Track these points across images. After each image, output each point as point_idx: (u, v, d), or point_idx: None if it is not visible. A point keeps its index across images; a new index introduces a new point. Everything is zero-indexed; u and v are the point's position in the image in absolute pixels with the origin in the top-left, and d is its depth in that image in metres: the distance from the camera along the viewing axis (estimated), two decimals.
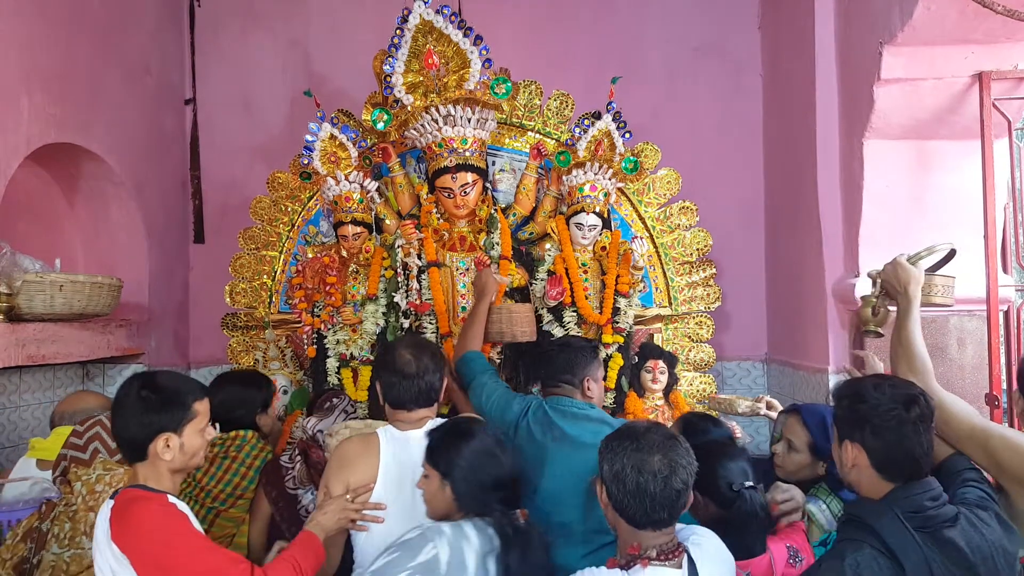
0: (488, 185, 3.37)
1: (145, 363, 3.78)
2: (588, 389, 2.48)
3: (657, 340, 3.50)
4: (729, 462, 1.94)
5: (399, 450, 2.11)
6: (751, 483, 1.91)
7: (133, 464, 1.84)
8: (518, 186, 3.44)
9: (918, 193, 3.00)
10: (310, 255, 3.36)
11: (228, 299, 3.54)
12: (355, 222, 3.28)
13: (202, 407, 1.89)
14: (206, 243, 4.21)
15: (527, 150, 3.46)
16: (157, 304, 3.88)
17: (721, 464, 1.92)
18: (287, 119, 4.23)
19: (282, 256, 3.57)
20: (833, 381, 3.18)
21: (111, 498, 1.77)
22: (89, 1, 3.40)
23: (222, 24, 4.28)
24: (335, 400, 2.79)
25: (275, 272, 3.56)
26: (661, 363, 3.30)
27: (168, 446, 1.81)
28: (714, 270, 3.54)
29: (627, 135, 3.31)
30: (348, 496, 2.02)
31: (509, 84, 3.18)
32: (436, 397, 2.21)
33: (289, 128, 4.17)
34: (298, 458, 2.51)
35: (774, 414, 2.82)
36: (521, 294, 3.35)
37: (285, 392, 3.31)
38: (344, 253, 3.33)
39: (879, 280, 2.32)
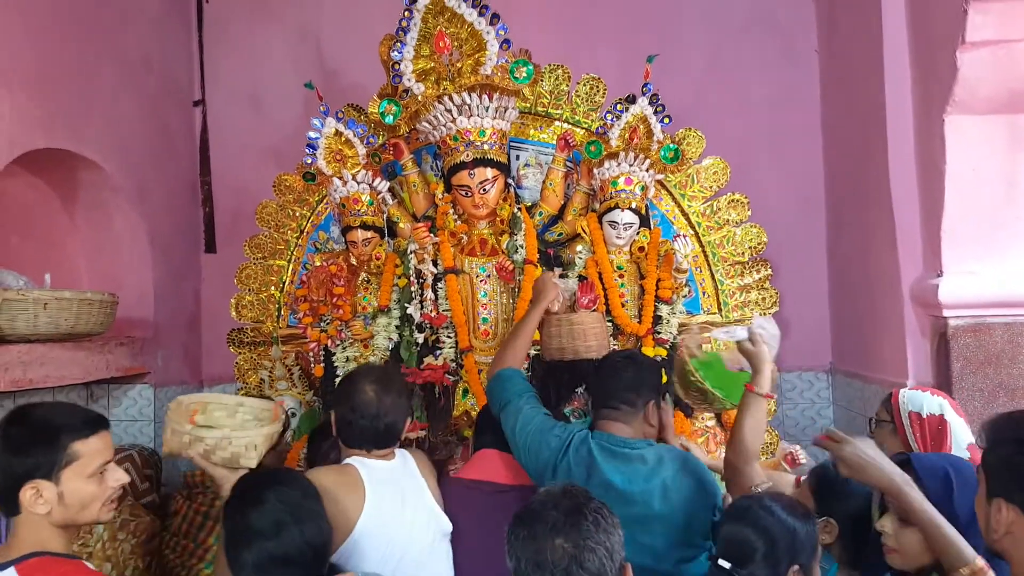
0: (511, 181, 3.04)
1: (152, 382, 3.55)
2: (650, 416, 2.14)
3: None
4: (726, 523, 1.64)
5: (378, 482, 2.00)
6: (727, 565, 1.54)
7: (11, 518, 1.52)
8: (544, 182, 3.09)
9: (1012, 177, 2.55)
10: (317, 263, 3.07)
11: (234, 313, 3.29)
12: (365, 226, 2.98)
13: (87, 447, 1.53)
14: (218, 252, 3.97)
15: (554, 142, 3.11)
16: (164, 319, 3.65)
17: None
18: (301, 117, 3.94)
19: (291, 265, 3.30)
20: None
21: (10, 566, 1.44)
22: None
23: (230, 17, 4.04)
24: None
25: (283, 283, 3.29)
26: None
27: (41, 497, 1.48)
28: (769, 271, 3.14)
29: (666, 120, 2.94)
30: None
31: (531, 67, 2.84)
32: (396, 440, 2.10)
33: (303, 128, 3.79)
34: None
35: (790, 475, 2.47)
36: None
37: (293, 415, 3.03)
38: (353, 261, 3.03)
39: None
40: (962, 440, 1.98)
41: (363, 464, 2.03)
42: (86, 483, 1.53)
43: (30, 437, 1.50)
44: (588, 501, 1.40)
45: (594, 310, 2.85)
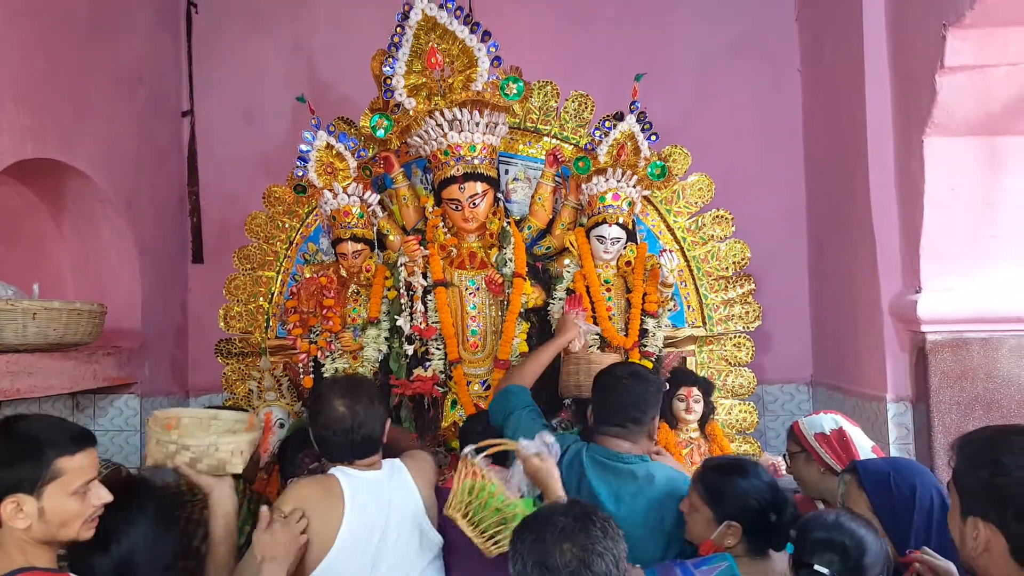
0: (500, 196, 3.08)
1: (138, 392, 3.53)
2: (653, 431, 2.19)
3: (690, 364, 3.17)
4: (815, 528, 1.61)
5: (361, 495, 1.98)
6: (825, 571, 1.53)
7: None
8: (533, 196, 3.13)
9: (988, 197, 2.62)
10: (307, 275, 3.08)
11: (222, 323, 3.29)
12: (355, 238, 3.00)
13: (72, 463, 1.50)
14: (205, 263, 3.97)
15: (543, 157, 3.16)
16: (152, 329, 3.64)
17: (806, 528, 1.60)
18: (291, 130, 3.96)
19: (279, 276, 3.31)
20: (893, 410, 2.82)
21: None
22: (72, 4, 3.17)
23: (221, 30, 4.05)
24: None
25: (272, 294, 3.30)
26: (695, 390, 2.96)
27: (22, 511, 1.45)
28: (753, 285, 3.20)
29: (653, 137, 2.99)
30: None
31: (521, 84, 2.88)
32: (377, 446, 2.08)
33: (293, 139, 3.84)
34: None
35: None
36: (538, 315, 3.04)
37: (282, 426, 3.03)
38: (343, 273, 3.05)
39: None
40: (864, 444, 2.12)
41: (345, 474, 2.02)
42: (68, 500, 1.50)
43: (15, 451, 1.47)
44: (595, 511, 1.44)
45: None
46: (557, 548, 1.34)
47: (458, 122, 2.86)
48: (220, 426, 2.21)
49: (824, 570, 1.52)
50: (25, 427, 1.52)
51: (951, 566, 1.66)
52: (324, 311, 2.98)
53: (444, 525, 2.09)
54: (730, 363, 3.20)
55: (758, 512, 1.81)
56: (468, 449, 1.94)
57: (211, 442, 2.02)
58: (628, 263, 3.01)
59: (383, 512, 1.99)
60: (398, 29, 2.89)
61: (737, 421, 3.17)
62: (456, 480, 1.89)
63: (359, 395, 2.04)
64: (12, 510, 1.46)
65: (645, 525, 2.01)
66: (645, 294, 2.96)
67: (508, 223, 3.03)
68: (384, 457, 2.14)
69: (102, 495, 1.56)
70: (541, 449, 1.95)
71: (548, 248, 3.13)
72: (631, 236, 3.05)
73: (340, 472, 2.02)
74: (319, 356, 3.01)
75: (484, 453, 1.95)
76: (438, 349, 2.95)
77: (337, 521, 1.92)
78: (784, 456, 2.33)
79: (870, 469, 1.85)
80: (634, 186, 2.98)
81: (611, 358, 2.77)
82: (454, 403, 2.95)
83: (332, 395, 2.04)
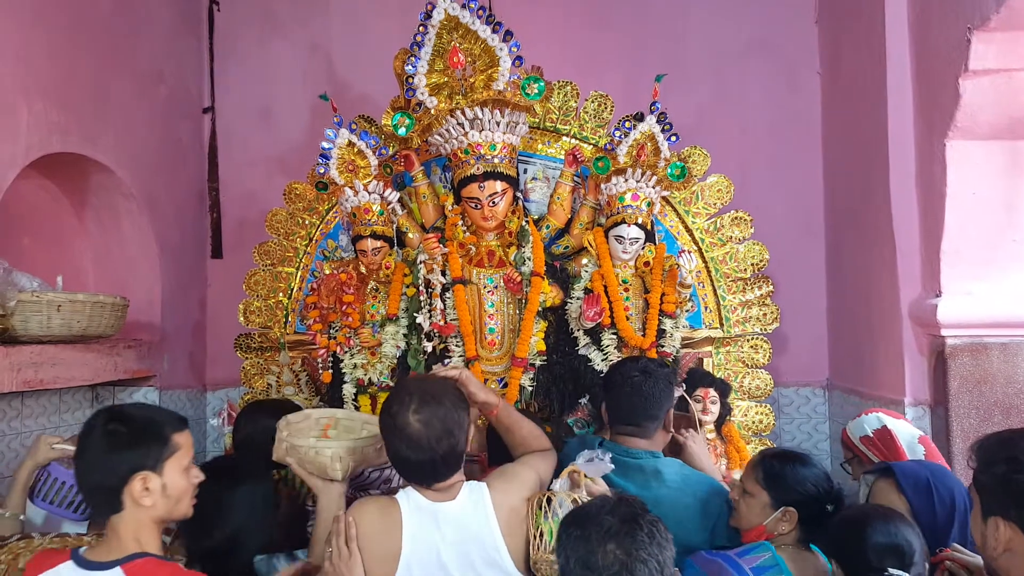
0: (519, 195, 3.08)
1: (157, 385, 3.56)
2: (668, 423, 2.20)
3: (707, 365, 3.18)
4: (875, 532, 1.59)
5: (425, 528, 1.71)
6: (904, 574, 1.51)
7: (108, 519, 1.54)
8: (552, 196, 3.14)
9: (1011, 201, 2.62)
10: (327, 271, 3.10)
11: (242, 318, 3.31)
12: (375, 236, 3.02)
13: (183, 439, 1.60)
14: (224, 259, 4.00)
15: (561, 156, 3.17)
16: (171, 323, 3.67)
17: (866, 536, 1.58)
18: (309, 128, 3.99)
19: (299, 272, 3.33)
20: (911, 414, 2.81)
21: (115, 565, 1.47)
22: (96, 4, 3.21)
23: (241, 29, 4.08)
24: None
25: (291, 290, 3.32)
26: (712, 391, 2.97)
27: (147, 488, 1.52)
28: (771, 287, 3.20)
29: (673, 138, 3.00)
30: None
31: (542, 83, 2.89)
32: (459, 461, 1.79)
33: (311, 137, 3.91)
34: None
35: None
36: (555, 314, 3.05)
37: None
38: (363, 269, 3.07)
39: None
40: (908, 435, 2.14)
41: (408, 500, 1.76)
42: (181, 476, 1.58)
43: (138, 431, 1.54)
44: (644, 512, 1.38)
45: (599, 323, 2.90)
46: (601, 548, 1.31)
47: (479, 121, 2.88)
48: (372, 429, 2.04)
49: (903, 573, 1.52)
50: (136, 411, 1.61)
51: (980, 560, 1.67)
52: (344, 307, 3.00)
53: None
54: (747, 365, 3.20)
55: (816, 500, 1.83)
56: (559, 483, 1.76)
57: (311, 445, 1.96)
58: (646, 263, 3.02)
59: (448, 547, 1.71)
60: (420, 28, 2.90)
61: (753, 423, 3.18)
62: (533, 527, 1.68)
63: (434, 408, 1.74)
64: (140, 487, 1.51)
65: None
66: (663, 294, 2.96)
67: (527, 222, 3.04)
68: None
69: (198, 474, 1.64)
70: (595, 472, 1.81)
71: (566, 247, 3.14)
72: (650, 236, 3.06)
73: (404, 497, 1.77)
74: (338, 351, 3.03)
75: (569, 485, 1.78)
76: (456, 346, 2.96)
77: (395, 551, 1.70)
78: (842, 465, 2.35)
79: (908, 474, 1.86)
80: (653, 187, 2.98)
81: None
82: None
83: (405, 408, 1.74)
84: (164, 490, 1.54)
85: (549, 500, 1.69)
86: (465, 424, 1.79)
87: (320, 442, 1.95)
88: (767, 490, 1.86)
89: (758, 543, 1.78)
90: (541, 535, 1.65)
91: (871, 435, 2.16)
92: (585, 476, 1.79)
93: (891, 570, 1.53)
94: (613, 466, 1.87)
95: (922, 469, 1.90)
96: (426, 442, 1.71)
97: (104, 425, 1.55)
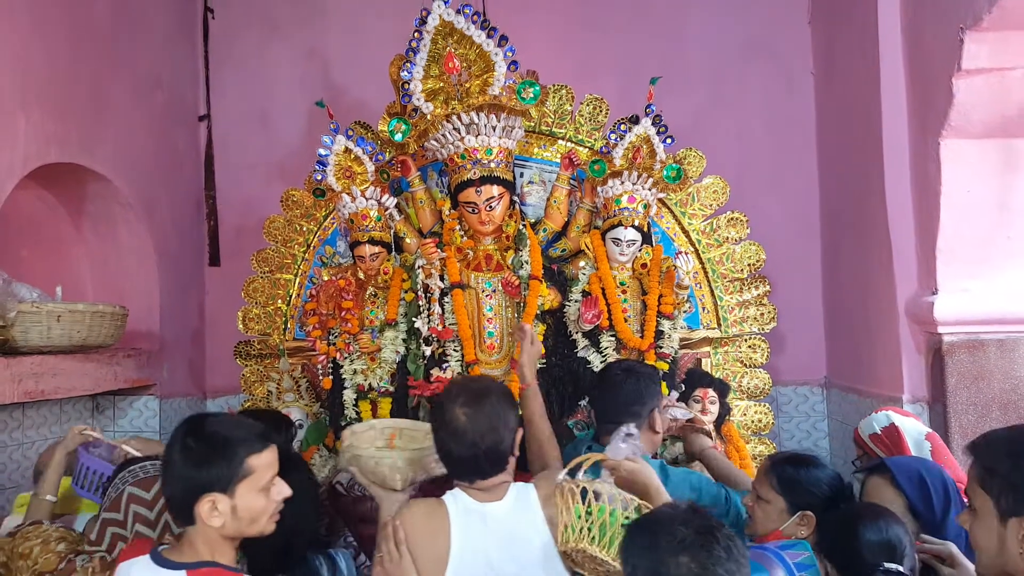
0: (516, 199, 3.09)
1: (157, 394, 3.58)
2: (654, 423, 2.20)
3: (705, 366, 3.19)
4: (867, 530, 1.61)
5: (473, 529, 1.71)
6: (899, 568, 1.52)
7: (185, 528, 1.56)
8: (548, 199, 3.15)
9: (1004, 199, 2.64)
10: (325, 277, 3.11)
11: (241, 325, 3.32)
12: (372, 241, 3.02)
13: (260, 461, 1.54)
14: (222, 266, 4.00)
15: (558, 160, 3.18)
16: (170, 331, 3.68)
17: (859, 534, 1.59)
18: (306, 134, 4.00)
19: (297, 279, 3.34)
20: (909, 411, 2.81)
21: (182, 568, 1.49)
22: (93, 13, 3.22)
23: (237, 35, 4.09)
24: None
25: (290, 296, 3.33)
26: (711, 392, 2.98)
27: (216, 510, 1.50)
28: (768, 287, 3.21)
29: (669, 140, 3.01)
30: None
31: (537, 88, 2.90)
32: (506, 461, 1.78)
33: (308, 143, 3.92)
34: (325, 503, 2.22)
35: None
36: (554, 317, 3.06)
37: (300, 426, 3.06)
38: (361, 275, 3.08)
39: None
40: (915, 432, 2.16)
41: (456, 501, 1.76)
42: (258, 496, 1.54)
43: (209, 451, 1.51)
44: (720, 526, 1.30)
45: (597, 325, 2.91)
46: (673, 560, 1.22)
47: (475, 126, 2.89)
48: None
49: (902, 568, 1.52)
50: (215, 427, 1.56)
51: (951, 546, 1.70)
52: (342, 313, 3.01)
53: None
54: (745, 364, 3.22)
55: (832, 500, 1.83)
56: (562, 475, 1.70)
57: (371, 455, 1.98)
58: (644, 265, 3.03)
59: (497, 548, 1.70)
60: (416, 34, 2.91)
61: (753, 422, 3.19)
62: (561, 513, 1.64)
63: (482, 403, 1.75)
64: (208, 508, 1.50)
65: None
66: (661, 296, 2.97)
67: (524, 226, 3.05)
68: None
69: (283, 491, 1.59)
70: (631, 451, 1.75)
71: (563, 250, 3.15)
72: (646, 238, 3.07)
73: (452, 499, 1.77)
74: (338, 357, 3.03)
75: (582, 469, 1.72)
76: (455, 351, 2.97)
77: (444, 552, 1.69)
78: (855, 463, 2.34)
79: (903, 469, 1.87)
80: (649, 189, 2.99)
81: None
82: None
83: (455, 401, 1.77)
84: (234, 512, 1.51)
85: (584, 490, 1.64)
86: (512, 424, 1.78)
87: (380, 452, 1.97)
88: (783, 495, 1.86)
89: (796, 540, 1.77)
90: (567, 526, 1.63)
91: (879, 432, 2.18)
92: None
93: (887, 564, 1.54)
94: (641, 445, 1.84)
95: (914, 463, 1.92)
96: (471, 436, 1.72)
97: (183, 437, 1.54)
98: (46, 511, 2.09)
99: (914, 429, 2.19)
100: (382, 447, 2.08)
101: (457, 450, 1.75)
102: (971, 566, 1.64)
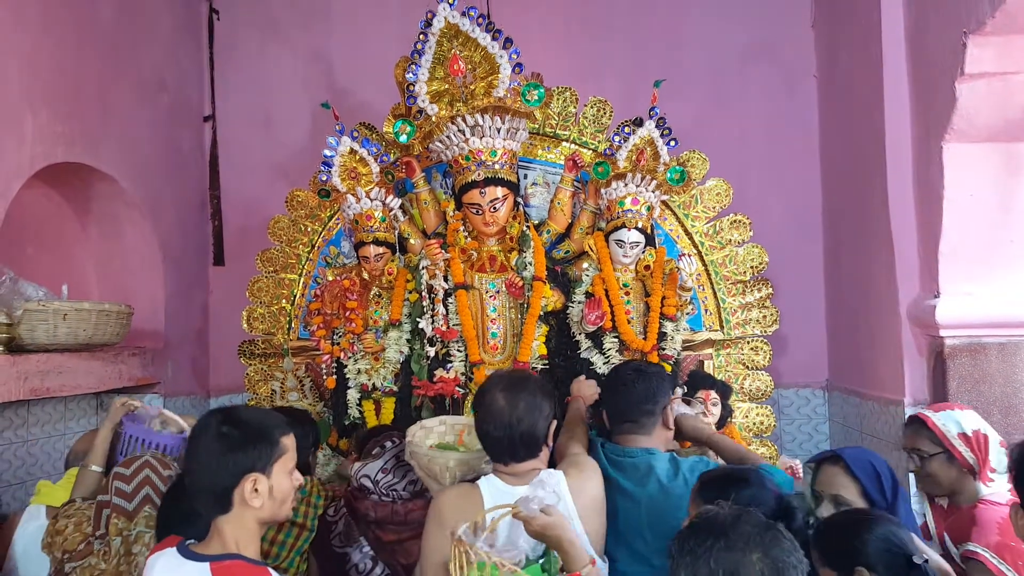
0: (520, 200, 3.11)
1: (161, 392, 3.59)
2: (667, 420, 2.23)
3: (708, 367, 3.20)
4: (884, 530, 1.59)
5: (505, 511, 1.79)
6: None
7: (214, 519, 1.57)
8: (552, 201, 3.17)
9: (1007, 202, 2.64)
10: (330, 277, 3.13)
11: (245, 325, 3.33)
12: (377, 242, 3.04)
13: (289, 442, 1.64)
14: (226, 266, 4.02)
15: (561, 162, 3.19)
16: (174, 330, 3.69)
17: (880, 534, 1.57)
18: (309, 135, 4.02)
19: (302, 279, 3.35)
20: (911, 414, 2.83)
21: (206, 560, 1.51)
22: (99, 15, 3.24)
23: (241, 37, 4.11)
24: (388, 444, 2.38)
25: (294, 296, 3.34)
26: (713, 393, 2.99)
27: (257, 490, 1.55)
28: (771, 290, 3.22)
29: (672, 143, 3.02)
30: None
31: (542, 90, 2.92)
32: (539, 447, 1.90)
33: (312, 144, 3.95)
34: (343, 511, 2.24)
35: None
36: (557, 318, 3.07)
37: None
38: (365, 275, 3.09)
39: None
40: (994, 439, 2.07)
41: (490, 485, 1.86)
42: (287, 478, 1.61)
43: (249, 434, 1.57)
44: (774, 522, 1.32)
45: (600, 326, 2.92)
46: (749, 556, 1.23)
47: (479, 128, 2.90)
48: None
49: (931, 552, 1.53)
50: (246, 414, 1.63)
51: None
52: (347, 313, 3.02)
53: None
54: (747, 367, 3.23)
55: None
56: (462, 529, 1.64)
57: (426, 453, 2.10)
58: (647, 267, 3.04)
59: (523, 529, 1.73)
60: (421, 36, 2.93)
61: (754, 424, 3.20)
62: (452, 566, 1.61)
63: (519, 389, 1.90)
64: (250, 489, 1.55)
65: (652, 510, 2.04)
66: (664, 298, 2.98)
67: (528, 227, 3.06)
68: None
69: (299, 477, 1.67)
70: (544, 501, 1.66)
71: (567, 252, 3.16)
72: (650, 240, 3.09)
73: (486, 482, 1.88)
74: (342, 357, 3.05)
75: (488, 527, 1.66)
76: (459, 351, 2.98)
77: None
78: (911, 456, 2.17)
79: (856, 458, 1.92)
80: (653, 191, 3.01)
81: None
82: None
83: (495, 386, 1.94)
84: (271, 492, 1.57)
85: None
86: (547, 412, 1.92)
87: (432, 451, 2.08)
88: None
89: None
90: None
91: (970, 434, 2.04)
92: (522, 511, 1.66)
93: (916, 558, 1.49)
94: (556, 498, 1.74)
95: (863, 453, 1.96)
96: (507, 418, 1.86)
97: (217, 428, 1.57)
98: (93, 481, 2.22)
99: (994, 436, 2.08)
100: (449, 444, 2.23)
101: (493, 431, 1.88)
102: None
